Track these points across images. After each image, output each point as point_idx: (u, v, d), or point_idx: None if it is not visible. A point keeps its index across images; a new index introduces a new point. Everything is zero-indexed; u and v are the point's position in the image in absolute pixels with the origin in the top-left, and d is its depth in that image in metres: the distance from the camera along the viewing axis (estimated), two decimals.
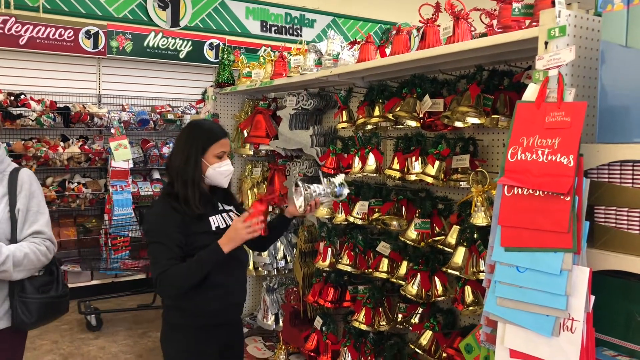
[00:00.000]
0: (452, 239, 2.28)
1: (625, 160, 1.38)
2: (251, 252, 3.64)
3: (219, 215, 2.28)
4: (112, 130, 5.65)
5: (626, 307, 1.42)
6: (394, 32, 2.42)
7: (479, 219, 2.06)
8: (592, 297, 1.36)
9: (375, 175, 2.73)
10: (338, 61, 2.80)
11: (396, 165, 2.55)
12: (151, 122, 6.10)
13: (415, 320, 2.56)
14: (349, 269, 2.79)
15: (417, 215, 2.48)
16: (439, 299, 2.40)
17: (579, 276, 1.35)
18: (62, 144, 5.65)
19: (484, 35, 2.05)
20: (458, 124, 2.25)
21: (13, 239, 2.08)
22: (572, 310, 1.35)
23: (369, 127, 2.72)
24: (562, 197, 1.38)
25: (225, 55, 3.97)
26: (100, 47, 5.97)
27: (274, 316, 3.73)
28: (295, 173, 3.50)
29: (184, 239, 2.12)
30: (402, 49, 2.37)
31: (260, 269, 3.84)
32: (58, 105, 5.68)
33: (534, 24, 1.74)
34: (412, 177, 2.43)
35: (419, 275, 2.43)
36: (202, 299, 2.17)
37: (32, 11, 5.66)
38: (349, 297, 2.94)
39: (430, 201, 2.47)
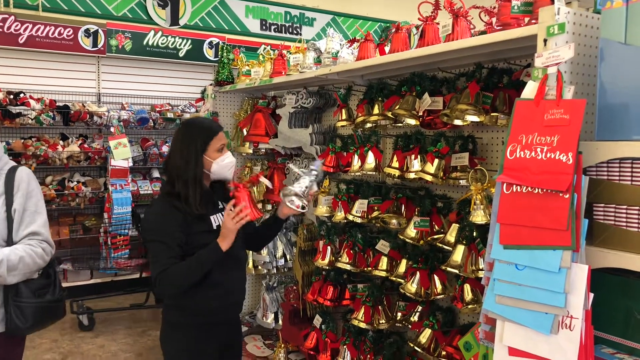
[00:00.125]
0: (451, 237, 2.28)
1: (624, 158, 1.37)
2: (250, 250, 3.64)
3: (220, 213, 2.28)
4: (112, 129, 5.64)
5: (625, 305, 1.42)
6: (393, 30, 2.42)
7: (478, 217, 2.06)
8: (591, 295, 1.36)
9: (374, 173, 2.73)
10: (337, 59, 2.79)
11: (395, 164, 2.54)
12: (151, 120, 6.10)
13: (415, 318, 2.56)
14: (348, 267, 2.79)
15: (416, 213, 2.48)
16: (438, 297, 2.40)
17: (577, 274, 1.35)
18: (61, 142, 5.66)
19: (483, 33, 2.05)
20: (457, 122, 2.25)
21: (9, 240, 2.02)
22: (570, 308, 1.35)
23: (369, 125, 2.72)
24: (561, 194, 1.38)
25: (225, 54, 3.97)
26: (99, 46, 5.97)
27: (273, 315, 3.73)
28: (294, 171, 3.50)
29: (185, 238, 2.12)
30: (402, 47, 2.36)
31: (259, 267, 3.84)
32: (57, 103, 5.68)
33: (533, 21, 1.73)
34: (412, 176, 2.43)
35: (418, 273, 2.43)
36: (203, 298, 2.17)
37: (31, 10, 5.66)
38: (349, 296, 2.94)
39: (430, 199, 2.47)
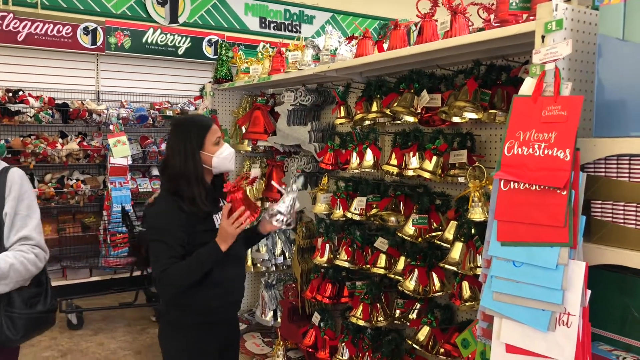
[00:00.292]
0: (449, 234, 2.27)
1: (621, 155, 1.37)
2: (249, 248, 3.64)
3: (221, 212, 2.28)
4: (111, 127, 5.64)
5: (622, 302, 1.42)
6: (391, 27, 2.41)
7: (476, 214, 2.06)
8: (589, 292, 1.35)
9: (373, 171, 2.73)
10: (336, 56, 2.79)
11: (394, 161, 2.54)
12: (150, 118, 6.10)
13: (413, 315, 2.56)
14: (346, 264, 2.79)
15: (414, 210, 2.48)
16: (437, 294, 2.40)
17: (575, 270, 1.35)
18: (60, 140, 5.65)
19: (481, 30, 2.04)
20: (455, 119, 2.25)
21: (0, 246, 1.91)
22: (568, 305, 1.34)
23: (367, 122, 2.71)
24: (558, 191, 1.38)
25: (224, 51, 3.96)
26: (98, 44, 5.96)
27: (272, 312, 3.73)
28: (293, 169, 3.50)
29: (187, 238, 2.11)
30: (400, 44, 2.36)
31: (258, 265, 3.84)
32: (56, 101, 5.68)
33: (531, 18, 1.73)
34: (410, 173, 2.42)
35: (416, 270, 2.43)
36: (203, 297, 2.17)
37: (30, 7, 5.65)
38: (347, 293, 2.94)
39: (428, 197, 2.47)
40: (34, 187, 5.46)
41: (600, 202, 1.43)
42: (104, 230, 5.53)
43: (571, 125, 1.38)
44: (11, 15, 5.50)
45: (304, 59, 3.02)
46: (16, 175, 1.98)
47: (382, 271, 2.64)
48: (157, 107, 6.22)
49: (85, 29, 5.88)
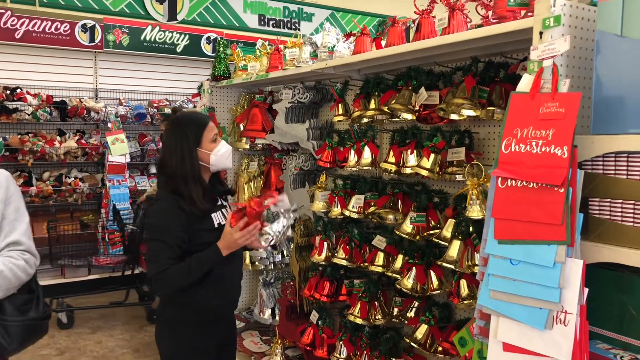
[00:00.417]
0: (447, 232, 2.26)
1: (619, 152, 1.36)
2: None
3: (219, 211, 2.28)
4: (109, 125, 5.64)
5: (620, 300, 1.41)
6: (389, 24, 2.40)
7: (474, 212, 2.04)
8: (586, 290, 1.34)
9: (371, 168, 2.72)
10: (333, 54, 2.77)
11: (392, 159, 2.53)
12: (148, 116, 6.09)
13: (411, 314, 2.55)
14: (344, 262, 2.78)
15: (412, 208, 2.47)
16: (435, 292, 2.38)
17: (572, 269, 1.34)
18: (58, 138, 5.64)
19: (480, 26, 2.03)
20: (453, 116, 2.23)
21: None
22: (565, 303, 1.33)
23: (365, 120, 2.70)
24: (555, 188, 1.37)
25: (222, 49, 3.95)
26: (96, 41, 5.95)
27: (270, 310, 3.72)
28: (291, 167, 3.49)
29: (186, 237, 2.10)
30: (398, 41, 2.34)
31: (256, 263, 3.83)
32: (54, 99, 5.67)
33: (530, 14, 1.72)
34: (408, 171, 2.41)
35: (414, 269, 2.42)
36: (203, 296, 2.17)
37: (28, 4, 5.64)
38: (345, 291, 2.93)
39: (426, 194, 2.46)
40: (32, 185, 5.45)
41: (598, 199, 1.42)
42: (102, 228, 5.52)
43: (569, 122, 1.37)
44: (9, 12, 5.48)
45: (302, 56, 3.01)
46: (2, 178, 1.89)
47: (380, 269, 2.63)
48: (155, 104, 6.21)
49: (84, 26, 5.86)
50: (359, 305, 2.69)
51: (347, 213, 2.78)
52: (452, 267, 2.15)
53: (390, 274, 2.57)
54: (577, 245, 1.37)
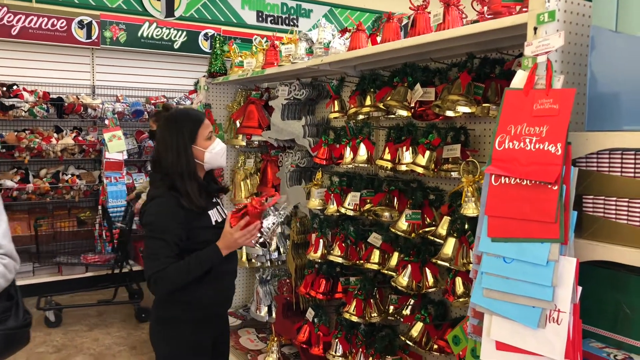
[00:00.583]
0: (442, 229, 2.25)
1: (614, 149, 1.34)
2: None
3: (215, 208, 2.28)
4: (106, 122, 5.62)
5: (614, 298, 1.40)
6: (384, 19, 2.38)
7: (470, 209, 2.03)
8: (580, 288, 1.33)
9: (366, 165, 2.70)
10: (329, 50, 2.75)
11: (387, 156, 2.51)
12: (145, 113, 6.06)
13: (407, 311, 2.54)
14: (340, 260, 2.77)
15: (408, 206, 2.45)
16: (430, 290, 2.37)
17: (565, 267, 1.33)
18: (55, 135, 5.62)
19: (475, 22, 2.01)
20: (449, 113, 2.22)
21: None
22: (558, 302, 1.32)
23: (361, 117, 2.68)
24: (549, 186, 1.35)
25: (218, 45, 3.92)
26: (93, 38, 5.92)
27: (267, 308, 3.71)
28: (287, 164, 3.47)
29: (185, 235, 2.09)
30: (393, 37, 2.33)
31: (253, 260, 3.82)
32: (51, 96, 5.64)
33: (524, 9, 1.69)
34: (403, 168, 2.40)
35: (409, 266, 2.40)
36: (203, 294, 2.17)
37: (24, 1, 5.61)
38: (341, 289, 2.92)
39: (422, 192, 2.44)
40: (29, 182, 5.44)
41: (592, 197, 1.40)
42: (99, 225, 5.51)
43: (563, 119, 1.36)
44: (5, 8, 5.46)
45: (298, 52, 2.99)
46: None
47: (375, 267, 2.62)
48: (152, 101, 6.19)
49: (80, 22, 5.84)
50: (354, 303, 2.68)
51: (343, 210, 2.76)
52: (447, 264, 2.13)
53: (386, 272, 2.56)
54: (570, 243, 1.36)
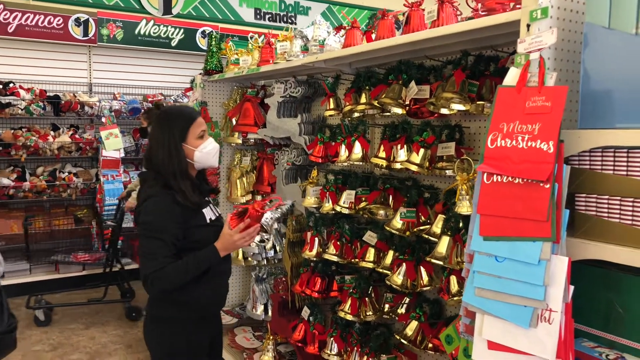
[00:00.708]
0: (437, 228, 2.23)
1: (606, 147, 1.33)
2: None
3: (208, 207, 2.27)
4: (103, 119, 5.60)
5: (606, 298, 1.39)
6: (379, 17, 2.36)
7: (464, 207, 2.02)
8: (572, 288, 1.32)
9: (362, 163, 2.69)
10: (324, 47, 2.74)
11: (382, 154, 2.50)
12: (143, 111, 6.03)
13: (402, 310, 2.53)
14: (335, 258, 2.75)
15: (403, 204, 2.44)
16: (425, 288, 2.36)
17: (557, 266, 1.31)
18: (52, 133, 5.61)
19: (470, 19, 1.99)
20: (443, 110, 2.20)
21: None
22: (550, 301, 1.31)
23: (356, 114, 2.67)
24: (541, 184, 1.34)
25: (214, 42, 3.91)
26: (90, 35, 5.90)
27: (263, 306, 3.70)
28: (283, 162, 3.46)
29: (181, 234, 2.08)
30: (387, 34, 2.31)
31: (249, 258, 3.81)
32: (48, 94, 5.63)
33: (518, 6, 1.68)
34: (397, 166, 2.38)
35: (404, 264, 2.39)
36: (200, 294, 2.16)
37: None
38: (336, 287, 2.91)
39: (416, 190, 2.43)
40: (26, 180, 5.42)
41: (584, 195, 1.39)
42: (96, 223, 5.50)
43: (555, 117, 1.34)
44: (1, 6, 5.44)
45: (293, 49, 2.97)
46: None
47: (370, 265, 2.61)
48: (150, 99, 6.17)
49: (77, 20, 5.82)
50: (349, 302, 2.67)
51: (338, 209, 2.75)
52: (441, 263, 2.12)
53: (381, 270, 2.55)
54: (562, 241, 1.34)
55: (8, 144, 5.32)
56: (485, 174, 1.47)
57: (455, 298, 2.15)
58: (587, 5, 1.44)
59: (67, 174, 5.68)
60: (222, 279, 2.30)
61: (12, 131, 5.40)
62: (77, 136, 5.70)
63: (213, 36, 3.95)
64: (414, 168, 2.26)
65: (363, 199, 2.67)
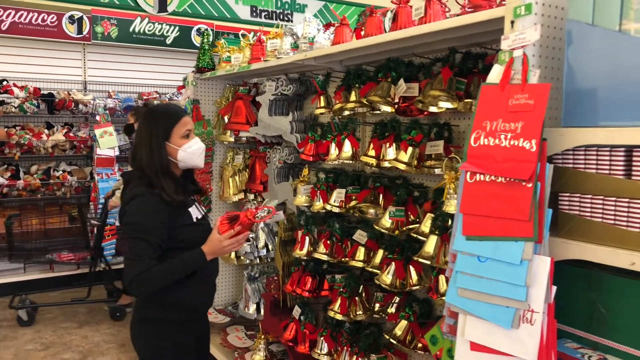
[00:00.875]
0: (425, 227, 2.21)
1: (589, 145, 1.31)
2: None
3: (194, 205, 2.25)
4: (98, 118, 5.58)
5: (589, 298, 1.37)
6: (367, 14, 2.34)
7: (452, 206, 1.99)
8: (554, 288, 1.30)
9: (352, 162, 2.67)
10: (314, 45, 2.72)
11: (372, 152, 2.48)
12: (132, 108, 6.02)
13: (392, 309, 2.51)
14: (325, 257, 2.74)
15: (392, 203, 2.42)
16: (414, 288, 2.35)
17: (539, 266, 1.30)
18: (46, 131, 5.59)
19: (458, 16, 1.97)
20: (432, 108, 2.18)
21: None
22: (531, 302, 1.29)
23: (346, 112, 2.65)
24: (523, 183, 1.32)
25: (206, 40, 3.88)
26: (84, 33, 5.88)
27: (255, 305, 3.68)
28: (275, 160, 3.44)
29: (166, 235, 2.06)
30: (375, 31, 2.29)
31: (242, 257, 3.79)
32: (42, 92, 5.61)
33: (504, 3, 1.66)
34: (386, 164, 2.37)
35: (393, 264, 2.37)
36: (187, 295, 2.14)
37: None
38: (327, 286, 2.89)
39: (405, 188, 2.41)
40: (20, 179, 5.40)
41: (568, 194, 1.37)
42: (81, 222, 5.48)
43: (538, 115, 1.33)
44: None
45: (283, 47, 2.95)
46: None
47: (360, 264, 2.59)
48: (145, 97, 6.14)
49: (71, 17, 5.79)
50: (339, 301, 2.65)
51: (328, 207, 2.73)
52: (429, 262, 2.10)
53: (371, 269, 2.53)
54: (545, 241, 1.33)
55: (2, 142, 5.30)
56: (468, 173, 1.45)
57: (444, 297, 2.12)
58: (570, 2, 1.42)
59: (61, 172, 5.66)
60: (209, 279, 2.28)
61: (6, 129, 5.38)
62: (71, 134, 5.68)
63: (205, 34, 3.92)
64: (402, 167, 2.24)
65: (353, 197, 2.65)
